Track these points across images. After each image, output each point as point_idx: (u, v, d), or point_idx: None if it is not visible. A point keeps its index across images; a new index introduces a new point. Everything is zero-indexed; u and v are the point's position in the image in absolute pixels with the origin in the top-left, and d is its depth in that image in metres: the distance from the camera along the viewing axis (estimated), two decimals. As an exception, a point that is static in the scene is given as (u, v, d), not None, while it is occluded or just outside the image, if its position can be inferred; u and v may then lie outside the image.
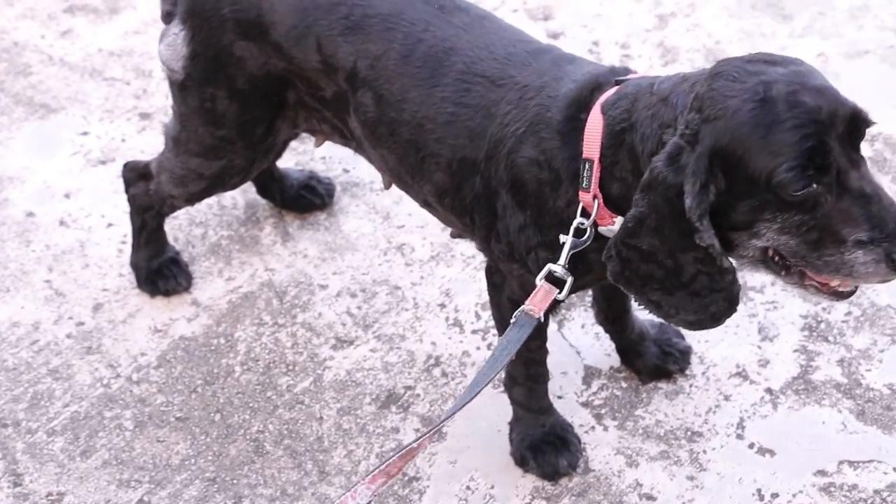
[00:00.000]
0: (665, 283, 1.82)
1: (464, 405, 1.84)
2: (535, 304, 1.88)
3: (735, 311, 1.85)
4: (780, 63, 1.74)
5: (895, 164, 2.93)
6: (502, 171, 1.99)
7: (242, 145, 2.36)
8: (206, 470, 2.41)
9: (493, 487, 2.35)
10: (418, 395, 2.52)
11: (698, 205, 1.73)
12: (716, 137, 1.72)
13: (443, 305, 2.70)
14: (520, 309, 1.89)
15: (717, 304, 1.83)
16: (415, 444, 1.77)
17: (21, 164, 3.11)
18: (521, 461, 2.34)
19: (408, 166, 2.14)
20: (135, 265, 2.76)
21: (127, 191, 2.68)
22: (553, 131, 1.93)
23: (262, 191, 2.91)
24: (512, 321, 1.88)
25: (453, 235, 2.35)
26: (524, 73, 2.01)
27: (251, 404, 2.52)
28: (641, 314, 2.57)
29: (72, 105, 3.27)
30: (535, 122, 1.95)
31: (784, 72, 1.72)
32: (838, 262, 1.70)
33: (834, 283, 1.77)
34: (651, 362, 2.47)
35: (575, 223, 1.89)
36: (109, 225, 2.92)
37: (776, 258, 1.79)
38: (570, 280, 1.90)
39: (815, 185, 1.68)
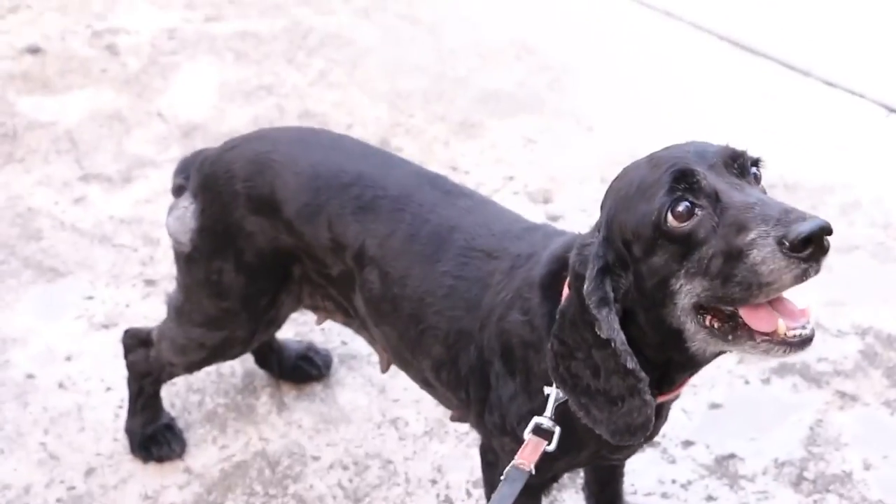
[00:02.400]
0: (590, 385, 1.81)
1: None
2: (525, 458, 1.88)
3: (648, 430, 1.80)
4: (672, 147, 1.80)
5: (886, 358, 2.98)
6: (493, 338, 2.04)
7: (246, 317, 2.41)
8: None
9: None
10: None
11: (595, 289, 1.74)
12: (607, 216, 1.78)
13: (434, 481, 2.70)
14: (510, 464, 1.89)
15: (633, 414, 1.79)
16: None
17: (26, 326, 3.16)
18: None
19: (408, 341, 2.19)
20: (129, 431, 2.77)
21: (126, 357, 2.72)
22: (535, 289, 1.98)
23: (261, 361, 2.95)
24: (502, 478, 1.88)
25: (453, 419, 2.36)
26: (517, 245, 2.09)
27: (237, 575, 2.50)
28: (631, 500, 2.58)
29: (79, 270, 3.34)
30: (521, 286, 2.01)
31: (665, 149, 1.78)
32: (747, 276, 1.61)
33: (778, 328, 1.66)
34: (640, 549, 2.47)
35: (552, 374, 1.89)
36: (108, 389, 2.95)
37: (715, 323, 1.72)
38: (558, 431, 1.90)
39: (695, 209, 1.66)
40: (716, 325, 1.72)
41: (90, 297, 3.26)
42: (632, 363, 1.76)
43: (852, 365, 2.96)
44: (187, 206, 2.37)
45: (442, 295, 2.12)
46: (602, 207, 1.83)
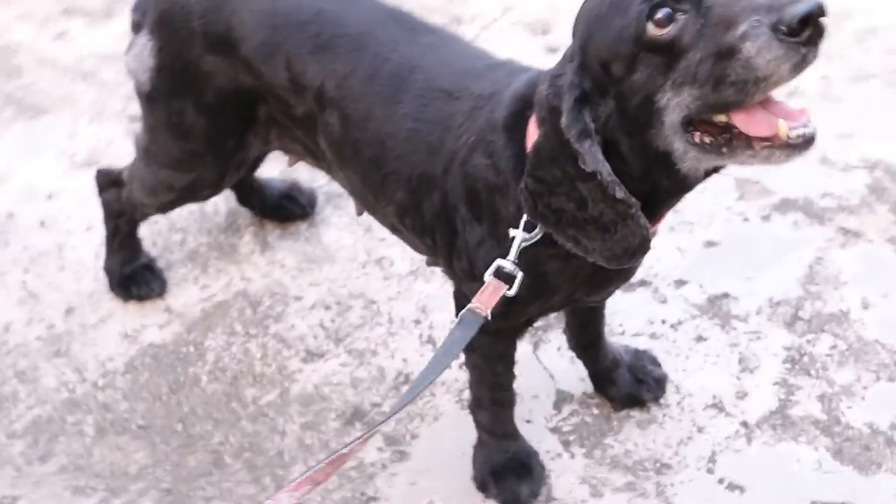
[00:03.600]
0: (577, 216, 1.70)
1: (401, 408, 1.76)
2: (482, 301, 1.79)
3: (648, 248, 1.71)
4: None
5: (894, 193, 2.84)
6: (458, 183, 1.93)
7: (212, 159, 2.32)
8: (163, 480, 2.35)
9: (453, 511, 2.28)
10: (385, 413, 2.46)
11: (573, 121, 1.62)
12: (581, 41, 1.65)
13: (418, 322, 2.64)
14: (466, 308, 1.81)
15: (628, 239, 1.68)
16: (345, 451, 1.68)
17: (6, 164, 3.09)
18: (483, 486, 2.28)
19: (371, 186, 2.09)
20: (108, 270, 2.72)
21: (100, 196, 2.65)
22: (498, 131, 1.85)
23: (243, 200, 2.87)
24: (456, 320, 1.80)
25: (429, 264, 2.28)
26: (479, 83, 1.95)
27: (214, 415, 2.47)
28: (617, 340, 2.51)
29: (62, 106, 3.25)
30: (484, 128, 1.88)
31: None
32: (742, 73, 1.47)
33: (779, 129, 1.52)
34: (624, 390, 2.40)
35: (525, 218, 1.79)
36: (88, 228, 2.89)
37: (706, 138, 1.58)
38: (520, 276, 1.79)
39: (676, 14, 1.52)
40: (707, 140, 1.59)
41: (72, 135, 3.17)
42: (621, 192, 1.65)
43: (858, 200, 2.83)
44: (144, 43, 2.24)
45: (402, 139, 2.00)
46: (574, 34, 1.69)
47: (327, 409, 2.47)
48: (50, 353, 2.62)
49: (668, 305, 2.62)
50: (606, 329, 2.39)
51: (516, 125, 1.83)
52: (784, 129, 1.52)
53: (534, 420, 2.42)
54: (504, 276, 1.80)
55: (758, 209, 2.82)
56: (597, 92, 1.64)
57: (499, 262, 1.81)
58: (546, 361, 2.53)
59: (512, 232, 1.81)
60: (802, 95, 2.99)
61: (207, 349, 2.61)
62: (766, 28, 1.44)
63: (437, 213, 2.00)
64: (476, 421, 2.27)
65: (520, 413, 2.34)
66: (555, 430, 2.40)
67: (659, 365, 2.44)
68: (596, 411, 2.43)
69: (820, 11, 1.43)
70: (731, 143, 1.57)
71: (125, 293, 2.70)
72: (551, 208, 1.72)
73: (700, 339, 2.54)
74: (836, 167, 2.90)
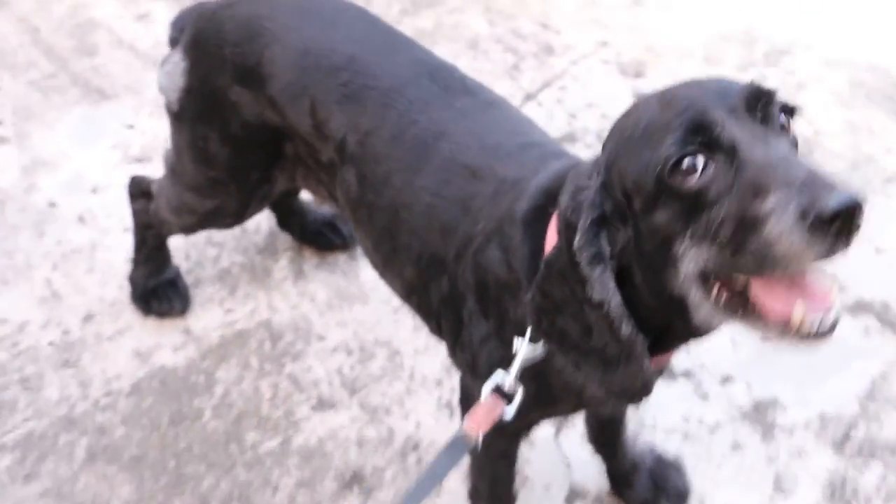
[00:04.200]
0: (581, 342, 1.51)
1: None
2: (476, 422, 1.61)
3: (649, 393, 1.52)
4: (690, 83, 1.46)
5: None
6: (469, 272, 1.75)
7: (235, 189, 2.18)
8: (142, 522, 2.24)
9: None
10: (385, 480, 2.30)
11: (587, 244, 1.43)
12: (608, 158, 1.45)
13: (439, 382, 2.47)
14: (456, 430, 1.64)
15: (629, 379, 1.50)
16: None
17: (60, 150, 3.02)
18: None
19: (381, 255, 1.93)
20: (132, 280, 2.62)
21: (130, 204, 2.54)
22: (517, 224, 1.66)
23: (282, 222, 2.73)
24: (448, 441, 1.63)
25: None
26: (507, 165, 1.76)
27: (210, 456, 2.35)
28: (646, 437, 2.29)
29: (126, 94, 3.16)
30: (503, 217, 1.69)
31: (682, 85, 1.44)
32: (762, 248, 1.28)
33: (794, 313, 1.32)
34: (641, 496, 2.19)
35: (530, 329, 1.60)
36: (125, 229, 2.78)
37: (724, 295, 1.39)
38: (520, 393, 1.62)
39: (707, 163, 1.33)
40: (724, 297, 1.39)
41: (131, 126, 3.07)
42: (627, 328, 1.45)
43: (946, 315, 2.55)
44: (177, 61, 2.11)
45: (418, 212, 1.82)
46: (604, 147, 1.49)
47: (327, 468, 2.32)
48: (59, 361, 2.53)
49: (708, 403, 2.39)
50: (636, 420, 2.18)
51: (536, 221, 1.64)
52: (799, 314, 1.31)
53: (540, 515, 2.23)
54: (503, 393, 1.62)
55: (832, 309, 2.55)
56: (617, 216, 1.45)
57: (498, 378, 1.62)
58: (566, 448, 2.33)
59: (516, 343, 1.62)
60: None
61: (217, 381, 2.48)
62: (795, 210, 1.24)
63: (445, 299, 1.82)
64: (474, 511, 2.10)
65: (527, 501, 2.16)
66: (560, 531, 2.21)
67: (684, 475, 2.23)
68: (608, 515, 2.23)
69: (855, 208, 1.22)
70: (746, 308, 1.37)
71: (145, 307, 2.60)
72: (556, 327, 1.53)
73: (737, 447, 2.31)
74: (928, 272, 2.62)
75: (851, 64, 3.20)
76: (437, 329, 1.89)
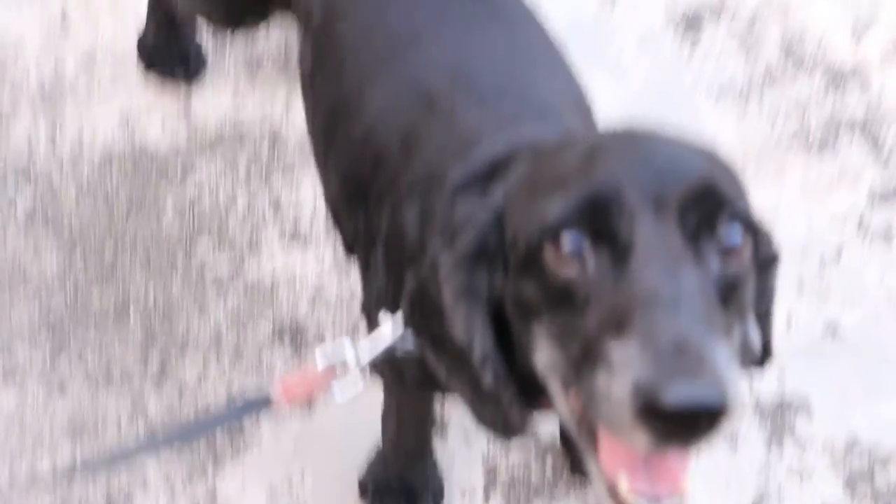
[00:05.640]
0: (451, 353, 1.16)
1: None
2: (287, 391, 1.26)
3: (521, 434, 1.18)
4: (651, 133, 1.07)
5: None
6: (383, 219, 1.39)
7: None
8: (54, 306, 2.00)
9: None
10: (325, 336, 2.00)
11: (456, 271, 1.09)
12: (513, 188, 1.10)
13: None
14: (265, 389, 1.30)
15: (497, 416, 1.17)
16: None
17: None
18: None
19: (315, 151, 1.62)
20: (144, 33, 2.30)
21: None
22: (444, 192, 1.26)
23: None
24: (247, 399, 1.30)
25: None
26: (470, 108, 1.37)
27: (152, 257, 2.08)
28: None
29: None
30: (433, 176, 1.31)
31: (625, 139, 1.06)
32: (595, 393, 0.94)
33: (619, 481, 0.98)
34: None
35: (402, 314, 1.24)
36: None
37: (577, 406, 1.02)
38: (360, 382, 1.26)
39: (585, 256, 0.97)
40: (577, 410, 1.01)
41: None
42: (488, 377, 1.10)
43: None
44: None
45: (357, 125, 1.47)
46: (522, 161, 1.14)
47: (266, 311, 2.03)
48: (40, 102, 2.27)
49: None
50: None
51: (468, 192, 1.25)
52: (624, 486, 0.97)
53: None
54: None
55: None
56: (501, 255, 1.08)
57: (346, 354, 1.26)
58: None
59: (382, 320, 1.26)
60: None
61: (194, 178, 2.19)
62: (631, 378, 0.88)
63: (359, 233, 1.49)
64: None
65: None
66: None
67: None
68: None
69: (699, 414, 0.87)
70: (587, 438, 1.01)
71: (149, 62, 2.29)
72: (429, 328, 1.17)
73: (731, 440, 1.94)
74: None
75: None
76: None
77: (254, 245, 2.11)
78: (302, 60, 1.64)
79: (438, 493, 1.83)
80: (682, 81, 2.39)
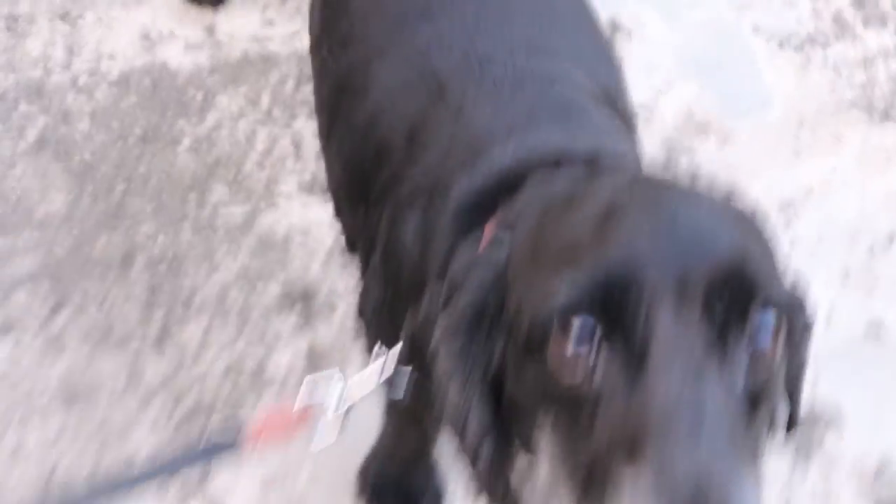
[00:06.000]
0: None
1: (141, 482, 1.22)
2: (259, 433, 1.11)
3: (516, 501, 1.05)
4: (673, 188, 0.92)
5: None
6: (383, 223, 1.23)
7: None
8: (55, 251, 1.92)
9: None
10: (336, 313, 1.89)
11: (454, 337, 0.95)
12: (527, 235, 0.95)
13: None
14: (233, 427, 1.17)
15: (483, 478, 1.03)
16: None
17: None
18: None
19: (319, 127, 1.44)
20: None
21: None
22: (448, 206, 1.12)
23: None
24: (215, 439, 1.18)
25: None
26: (484, 101, 1.18)
27: (164, 198, 1.97)
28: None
29: None
30: (439, 182, 1.14)
31: (650, 205, 0.88)
32: None
33: None
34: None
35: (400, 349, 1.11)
36: None
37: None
38: (338, 422, 1.12)
39: (592, 355, 0.83)
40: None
41: None
42: (483, 463, 0.97)
43: None
44: None
45: (362, 106, 1.28)
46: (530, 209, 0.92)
47: (279, 269, 1.93)
48: (58, 11, 2.12)
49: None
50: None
51: (474, 211, 1.09)
52: None
53: None
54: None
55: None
56: (501, 321, 0.93)
57: (326, 403, 1.14)
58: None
59: (376, 359, 1.13)
60: None
61: (215, 107, 2.05)
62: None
63: (360, 228, 1.33)
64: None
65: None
66: None
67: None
68: None
69: None
70: None
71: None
72: (431, 373, 1.03)
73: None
74: None
75: None
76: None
77: (271, 188, 1.99)
78: (311, 19, 1.46)
79: (439, 492, 1.75)
80: (741, 25, 2.12)
